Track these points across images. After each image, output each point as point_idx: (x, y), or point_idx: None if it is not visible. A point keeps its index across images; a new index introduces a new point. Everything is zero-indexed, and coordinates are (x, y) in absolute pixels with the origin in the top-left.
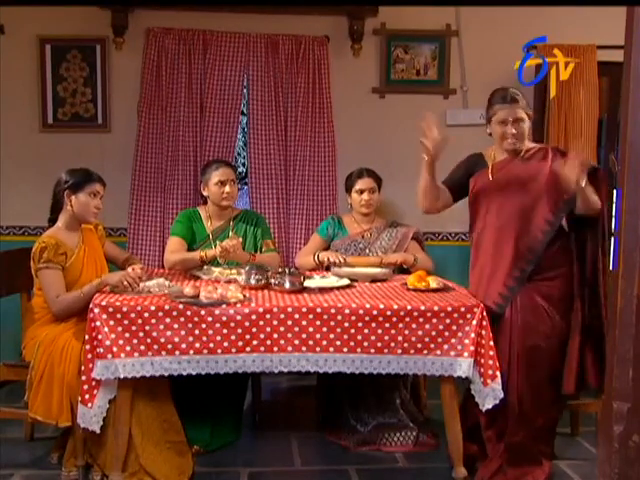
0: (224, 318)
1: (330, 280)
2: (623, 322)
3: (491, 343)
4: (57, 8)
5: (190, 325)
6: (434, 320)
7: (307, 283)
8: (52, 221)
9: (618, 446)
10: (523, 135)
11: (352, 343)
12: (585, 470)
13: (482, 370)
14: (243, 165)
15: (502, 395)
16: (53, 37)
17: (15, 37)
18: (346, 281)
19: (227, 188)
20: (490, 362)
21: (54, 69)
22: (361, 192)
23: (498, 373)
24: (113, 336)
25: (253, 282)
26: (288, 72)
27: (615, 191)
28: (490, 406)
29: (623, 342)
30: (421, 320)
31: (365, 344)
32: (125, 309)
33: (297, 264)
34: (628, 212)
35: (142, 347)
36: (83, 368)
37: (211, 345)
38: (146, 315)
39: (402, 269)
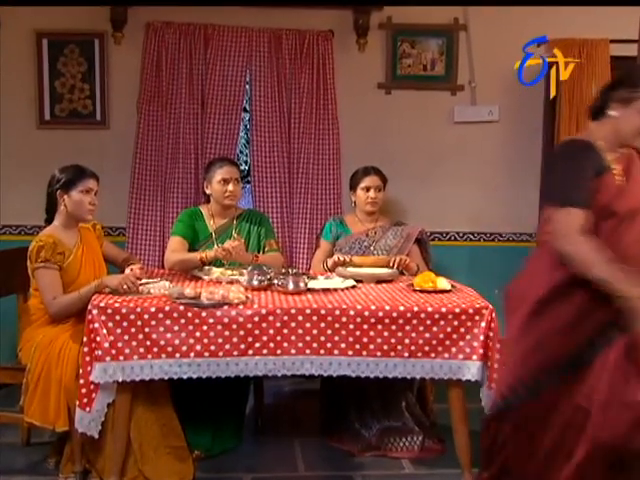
0: (226, 320)
1: (334, 281)
2: None
3: (498, 346)
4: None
5: (191, 327)
6: (442, 322)
7: (311, 284)
8: (48, 222)
9: None
10: None
11: (357, 346)
12: None
13: (488, 373)
14: (245, 163)
15: None
16: (50, 31)
17: (11, 31)
18: (351, 282)
19: (230, 187)
20: (496, 365)
21: (51, 64)
22: (367, 190)
23: None
24: (112, 338)
25: (255, 283)
26: (292, 67)
27: None
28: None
29: None
30: (428, 322)
31: (371, 347)
32: (124, 311)
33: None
34: None
35: (142, 350)
36: (81, 371)
37: (212, 348)
38: (146, 317)
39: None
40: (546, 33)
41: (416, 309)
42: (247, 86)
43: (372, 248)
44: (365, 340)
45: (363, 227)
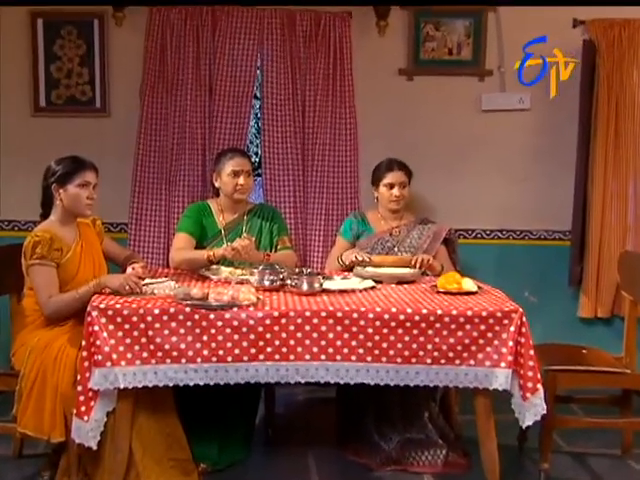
0: (235, 323)
1: (352, 281)
2: None
3: (531, 352)
4: None
5: (198, 330)
6: (467, 326)
7: (326, 284)
8: (44, 217)
9: None
10: None
11: (376, 351)
12: None
13: (521, 382)
14: (256, 154)
15: (544, 410)
16: (46, 11)
17: (4, 11)
18: (370, 282)
19: (241, 180)
20: (530, 374)
21: (47, 47)
22: (391, 187)
23: (539, 386)
24: (113, 342)
25: (267, 283)
26: (306, 52)
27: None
28: (530, 422)
29: None
30: (453, 326)
31: (391, 353)
32: (126, 312)
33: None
34: None
35: (145, 354)
36: (79, 377)
37: (221, 352)
38: (149, 319)
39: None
40: (583, 13)
41: (440, 312)
42: (258, 71)
43: (396, 249)
44: (385, 345)
45: (387, 225)
